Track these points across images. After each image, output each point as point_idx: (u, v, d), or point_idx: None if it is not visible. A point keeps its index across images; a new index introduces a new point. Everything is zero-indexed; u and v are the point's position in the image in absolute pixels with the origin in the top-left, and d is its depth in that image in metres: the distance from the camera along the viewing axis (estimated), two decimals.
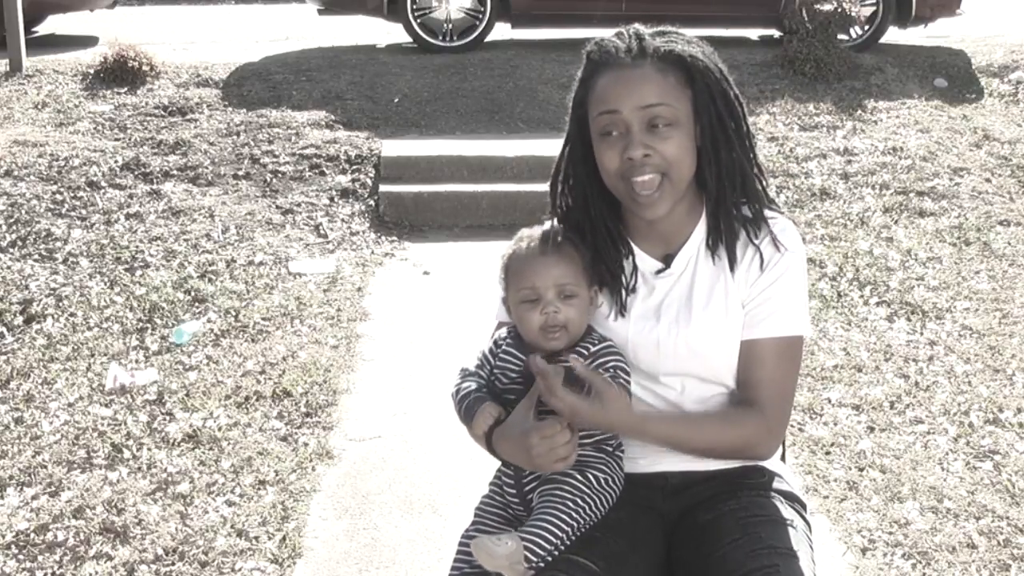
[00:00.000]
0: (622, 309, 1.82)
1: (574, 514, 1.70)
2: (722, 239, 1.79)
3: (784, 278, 1.79)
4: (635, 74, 1.72)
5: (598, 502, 1.74)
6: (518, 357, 1.79)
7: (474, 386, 1.81)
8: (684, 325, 1.79)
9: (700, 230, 1.83)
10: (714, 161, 1.77)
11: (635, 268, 1.84)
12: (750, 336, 1.79)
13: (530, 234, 1.83)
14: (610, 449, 1.79)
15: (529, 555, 1.65)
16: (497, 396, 1.79)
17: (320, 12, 8.82)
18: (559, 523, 1.68)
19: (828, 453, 3.42)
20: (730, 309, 1.79)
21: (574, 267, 1.78)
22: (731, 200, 1.79)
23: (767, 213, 1.82)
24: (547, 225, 1.92)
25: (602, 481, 1.75)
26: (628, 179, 1.73)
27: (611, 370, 1.75)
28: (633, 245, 1.85)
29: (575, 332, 1.76)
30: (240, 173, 6.12)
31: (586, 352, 1.76)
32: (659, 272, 1.83)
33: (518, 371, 1.78)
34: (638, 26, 1.81)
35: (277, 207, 5.81)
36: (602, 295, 1.83)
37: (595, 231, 1.84)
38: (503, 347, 1.83)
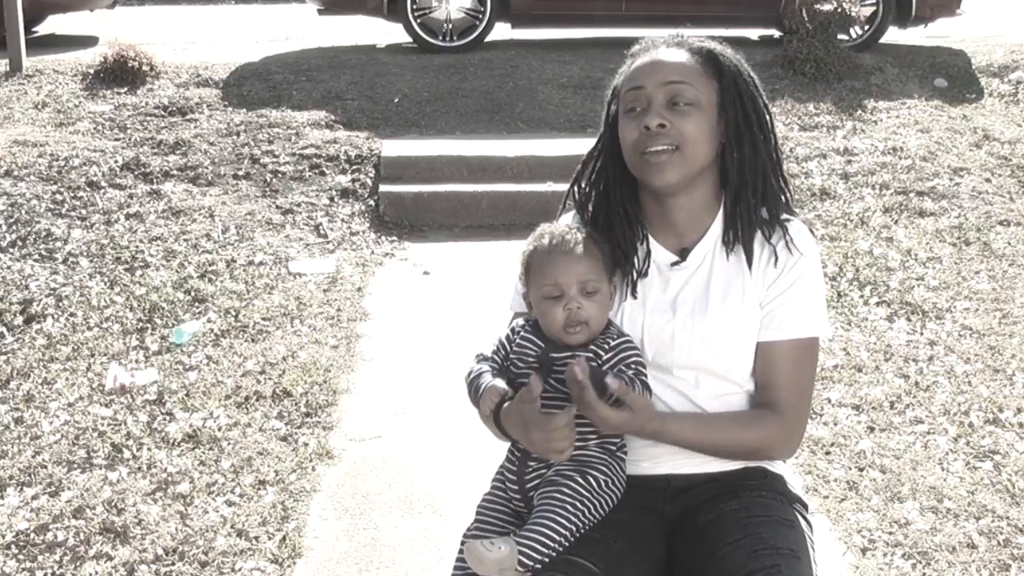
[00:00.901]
0: (633, 291, 1.84)
1: (572, 518, 1.69)
2: (739, 235, 1.81)
3: (800, 281, 1.80)
4: (664, 55, 1.81)
5: (598, 505, 1.74)
6: (536, 344, 1.80)
7: (486, 368, 1.83)
8: (700, 319, 1.80)
9: (716, 226, 1.85)
10: (738, 155, 1.81)
11: (648, 253, 1.86)
12: (767, 338, 1.81)
13: (551, 230, 1.83)
14: (613, 449, 1.79)
15: (524, 559, 1.64)
16: (512, 381, 1.80)
17: (320, 12, 8.82)
18: (556, 527, 1.67)
19: (828, 453, 3.42)
20: (747, 306, 1.80)
21: (596, 264, 1.79)
22: (751, 197, 1.81)
23: (783, 216, 1.84)
24: (566, 221, 1.94)
25: (603, 483, 1.75)
26: (641, 151, 1.78)
27: (632, 367, 1.76)
28: (649, 235, 1.87)
29: (596, 327, 1.77)
30: (240, 173, 6.12)
31: (606, 347, 1.76)
32: (674, 265, 1.85)
33: (535, 357, 1.79)
34: (681, 31, 1.90)
35: (277, 207, 5.81)
36: (615, 279, 1.85)
37: (612, 213, 1.87)
38: (521, 334, 1.84)
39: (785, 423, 1.81)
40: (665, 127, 1.75)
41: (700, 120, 1.77)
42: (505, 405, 1.75)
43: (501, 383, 1.77)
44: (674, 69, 1.78)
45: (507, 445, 1.88)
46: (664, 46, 1.83)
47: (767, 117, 1.84)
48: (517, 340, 1.84)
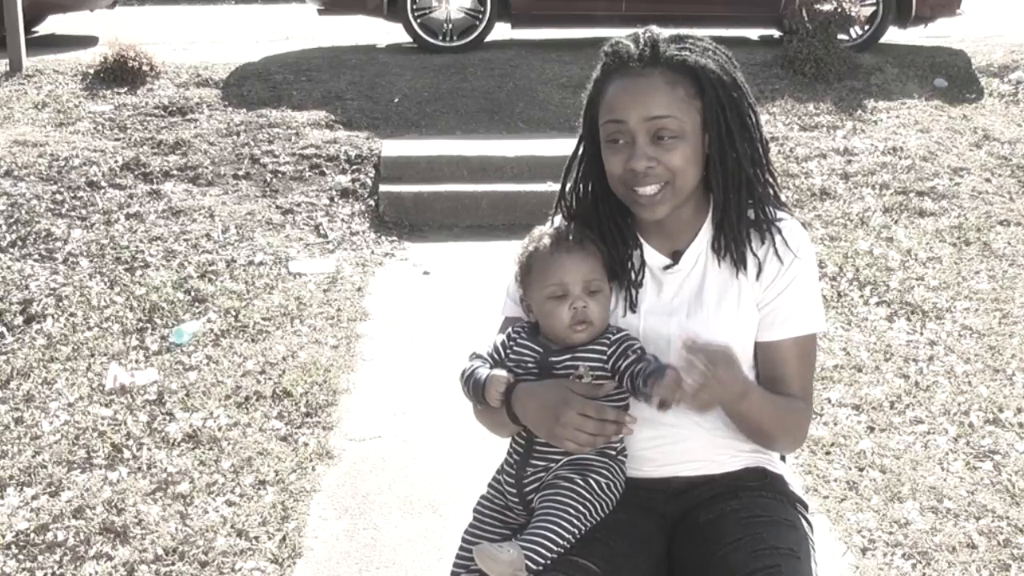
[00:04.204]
0: (632, 305, 1.83)
1: (574, 520, 1.69)
2: (728, 246, 1.80)
3: (796, 281, 1.80)
4: (643, 84, 1.73)
5: (598, 507, 1.74)
6: (534, 349, 1.80)
7: (480, 363, 1.83)
8: (696, 322, 1.79)
9: (708, 229, 1.83)
10: (721, 170, 1.77)
11: (643, 263, 1.85)
12: (771, 338, 1.81)
13: (550, 232, 1.83)
14: (613, 453, 1.79)
15: (530, 563, 1.65)
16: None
17: (320, 12, 8.81)
18: (559, 530, 1.68)
19: (828, 453, 3.42)
20: (742, 307, 1.79)
21: (598, 263, 1.79)
22: (736, 208, 1.79)
23: (776, 215, 1.82)
24: (559, 222, 1.92)
25: (603, 486, 1.74)
26: (630, 187, 1.75)
27: (637, 351, 1.75)
28: (642, 240, 1.86)
29: (599, 326, 1.77)
30: (240, 173, 6.12)
31: (607, 342, 1.76)
32: (667, 268, 1.84)
33: (534, 362, 1.79)
34: (655, 30, 1.79)
35: (277, 207, 5.81)
36: (612, 286, 1.84)
37: (603, 228, 1.85)
38: (517, 340, 1.83)
39: (807, 412, 1.85)
40: (653, 167, 1.71)
41: (686, 149, 1.72)
42: (520, 385, 1.75)
43: (505, 372, 1.77)
44: (657, 102, 1.70)
45: (506, 447, 1.87)
46: (640, 65, 1.74)
47: (752, 120, 1.79)
48: (513, 347, 1.83)
